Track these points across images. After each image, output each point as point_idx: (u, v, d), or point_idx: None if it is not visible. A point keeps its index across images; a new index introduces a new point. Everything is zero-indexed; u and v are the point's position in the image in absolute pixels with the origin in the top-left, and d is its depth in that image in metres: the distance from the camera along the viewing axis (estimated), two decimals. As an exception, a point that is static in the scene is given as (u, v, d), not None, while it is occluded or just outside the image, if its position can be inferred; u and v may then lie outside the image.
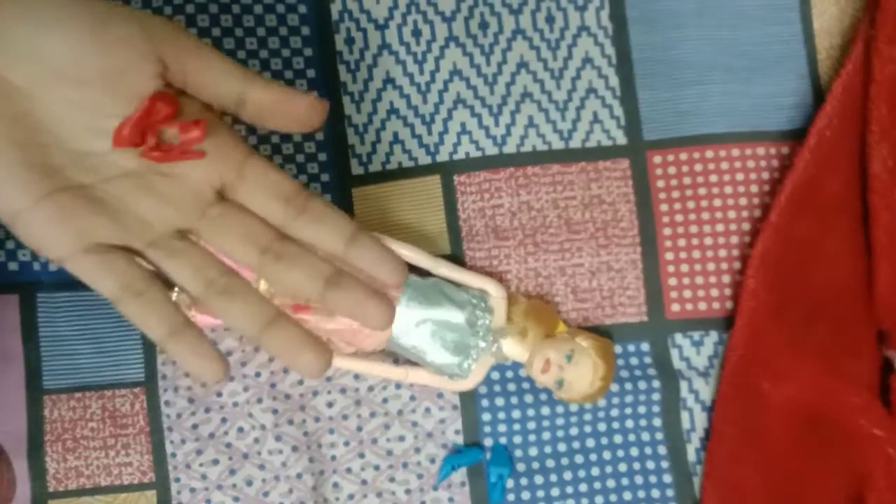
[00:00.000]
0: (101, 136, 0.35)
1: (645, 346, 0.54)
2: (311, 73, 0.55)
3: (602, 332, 0.54)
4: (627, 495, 0.54)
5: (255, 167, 0.37)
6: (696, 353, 0.54)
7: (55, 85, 0.34)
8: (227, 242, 0.37)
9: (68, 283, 0.54)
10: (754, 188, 0.54)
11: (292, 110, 0.37)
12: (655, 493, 0.54)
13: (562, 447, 0.54)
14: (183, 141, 0.36)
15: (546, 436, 0.54)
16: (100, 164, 0.36)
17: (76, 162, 0.35)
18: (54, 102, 0.34)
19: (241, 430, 0.53)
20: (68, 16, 0.33)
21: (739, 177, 0.54)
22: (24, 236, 0.35)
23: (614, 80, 0.55)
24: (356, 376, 0.54)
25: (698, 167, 0.55)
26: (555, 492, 0.54)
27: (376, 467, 0.54)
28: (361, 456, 0.54)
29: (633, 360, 0.54)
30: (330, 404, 0.54)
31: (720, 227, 0.54)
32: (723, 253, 0.54)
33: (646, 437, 0.54)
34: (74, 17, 0.33)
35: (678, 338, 0.54)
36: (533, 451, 0.54)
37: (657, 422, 0.54)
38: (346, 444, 0.54)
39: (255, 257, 0.37)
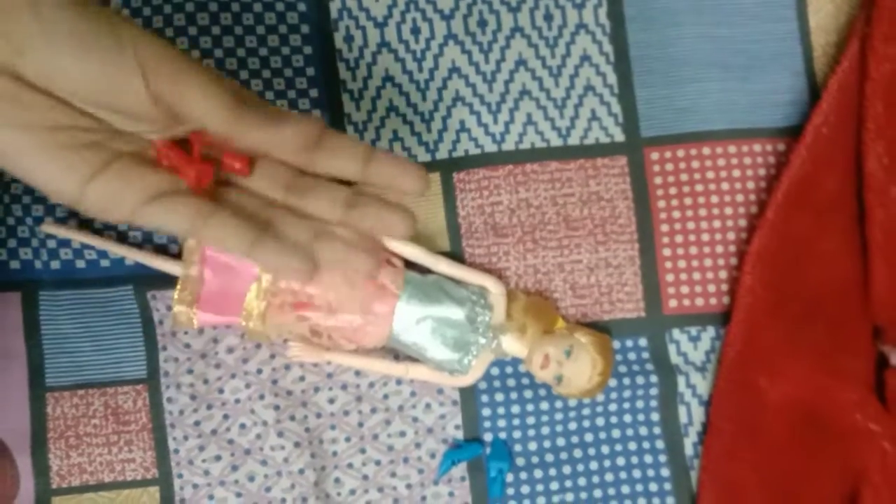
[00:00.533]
0: (127, 122, 0.36)
1: (643, 342, 0.55)
2: (310, 70, 0.55)
3: (600, 328, 0.54)
4: (625, 489, 0.55)
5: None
6: (693, 349, 0.55)
7: (66, 88, 0.34)
8: (257, 184, 0.39)
9: (70, 281, 0.54)
10: (751, 185, 0.55)
11: (290, 138, 0.37)
12: (653, 487, 0.55)
13: (561, 442, 0.55)
14: (224, 166, 0.38)
15: (545, 430, 0.55)
16: (136, 139, 0.37)
17: (115, 136, 0.36)
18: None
19: (243, 426, 0.54)
20: (81, 39, 0.33)
21: (736, 173, 0.55)
22: (90, 213, 0.36)
23: (612, 78, 0.55)
24: (357, 373, 0.54)
25: (695, 164, 0.55)
26: (554, 485, 0.54)
27: (377, 462, 0.54)
28: (362, 451, 0.54)
29: (631, 356, 0.55)
30: (331, 400, 0.54)
31: (717, 224, 0.55)
32: (720, 249, 0.55)
33: (644, 431, 0.55)
34: (68, 36, 0.33)
35: (676, 333, 0.55)
36: (532, 446, 0.55)
37: (655, 416, 0.55)
38: (348, 439, 0.54)
39: (281, 194, 0.39)
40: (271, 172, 0.39)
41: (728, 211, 0.55)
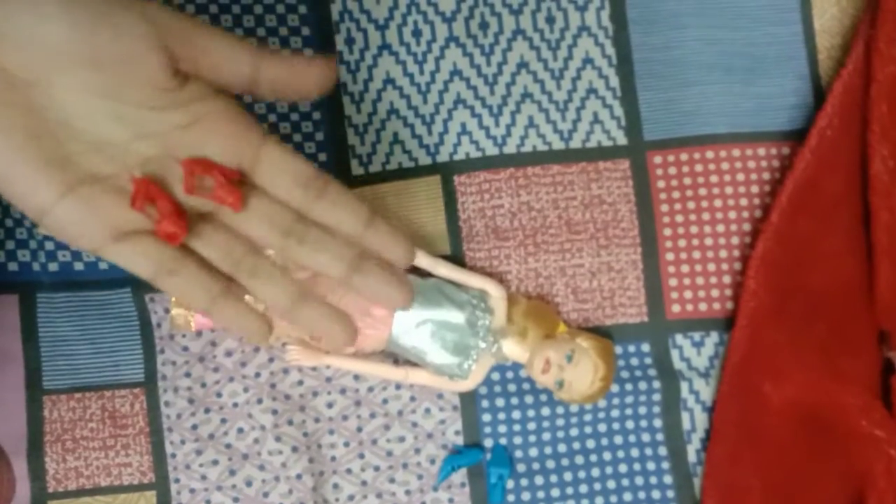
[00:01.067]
0: (121, 123, 0.35)
1: (645, 347, 0.54)
2: (311, 73, 0.55)
3: (602, 333, 0.54)
4: (628, 496, 0.54)
5: (272, 151, 0.37)
6: (696, 354, 0.54)
7: (70, 72, 0.33)
8: (250, 226, 0.37)
9: (68, 283, 0.54)
10: (755, 188, 0.54)
11: (305, 80, 0.37)
12: (656, 494, 0.54)
13: (562, 448, 0.54)
14: (216, 198, 0.36)
15: (546, 436, 0.54)
16: (120, 153, 0.35)
17: (96, 151, 0.35)
18: (71, 91, 0.34)
19: (240, 430, 0.53)
20: (69, 5, 0.33)
21: (740, 177, 0.54)
22: (54, 231, 0.35)
23: (615, 81, 0.55)
24: (356, 377, 0.54)
25: (699, 167, 0.54)
26: (555, 492, 0.54)
27: (376, 468, 0.54)
28: (361, 456, 0.54)
29: (634, 361, 0.54)
30: (330, 405, 0.54)
31: (720, 228, 0.54)
32: (723, 253, 0.54)
33: (646, 437, 0.54)
34: (75, 7, 0.33)
35: (679, 338, 0.54)
36: (533, 452, 0.54)
37: (657, 422, 0.54)
38: (346, 444, 0.54)
39: (277, 240, 0.37)
40: (270, 214, 0.37)
41: (731, 215, 0.54)
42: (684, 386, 0.54)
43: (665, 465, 0.54)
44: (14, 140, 0.33)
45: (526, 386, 0.54)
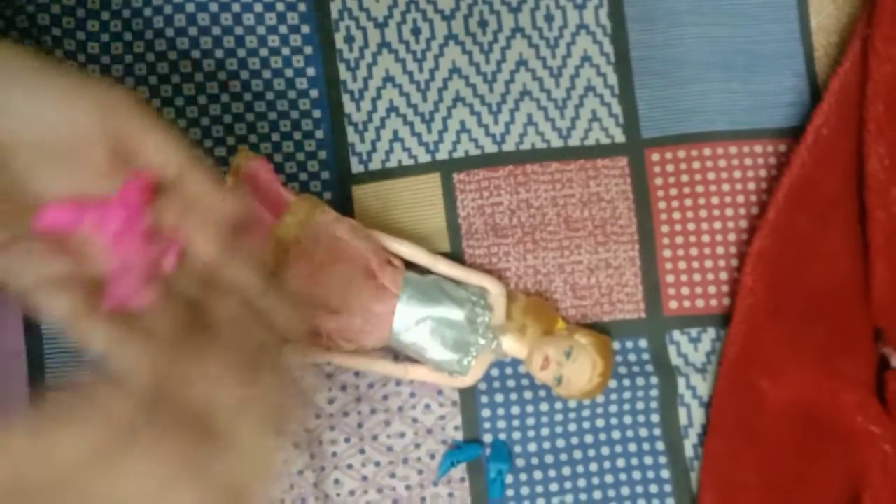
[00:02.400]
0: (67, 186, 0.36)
1: (643, 343, 0.55)
2: (310, 71, 0.55)
3: (600, 329, 0.54)
4: (625, 490, 0.54)
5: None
6: (693, 350, 0.55)
7: (34, 144, 0.35)
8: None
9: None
10: (752, 186, 0.55)
11: (209, 211, 0.37)
12: (653, 489, 0.54)
13: (560, 443, 0.55)
14: None
15: (545, 431, 0.54)
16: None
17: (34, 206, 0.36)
18: (35, 160, 0.35)
19: (242, 426, 0.54)
20: (45, 84, 0.34)
21: (737, 174, 0.55)
22: None
23: (613, 79, 0.55)
24: (356, 373, 0.54)
25: (696, 165, 0.55)
26: (553, 487, 0.54)
27: (377, 463, 0.54)
28: (362, 452, 0.54)
29: (632, 357, 0.55)
30: (330, 401, 0.54)
31: (718, 225, 0.55)
32: (720, 250, 0.55)
33: (644, 432, 0.55)
34: (48, 87, 0.34)
35: (676, 334, 0.55)
36: (532, 447, 0.54)
37: (655, 418, 0.54)
38: (347, 440, 0.54)
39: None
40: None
41: (729, 212, 0.55)
42: (681, 382, 0.54)
43: (662, 459, 0.55)
44: None
45: (525, 382, 0.54)
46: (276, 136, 0.55)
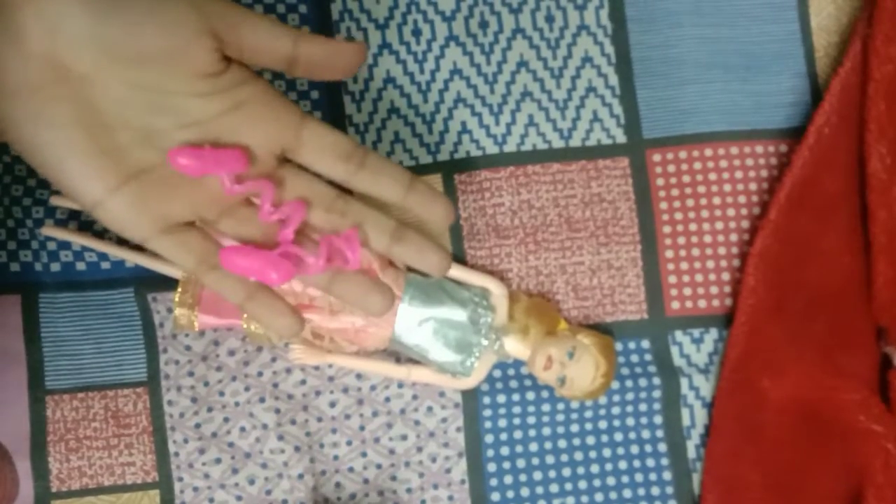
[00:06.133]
0: (165, 113, 0.36)
1: (645, 344, 0.55)
2: (311, 72, 0.55)
3: (603, 330, 0.54)
4: (627, 492, 0.54)
5: (312, 129, 0.39)
6: (696, 351, 0.55)
7: (116, 68, 0.35)
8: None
9: (70, 283, 0.54)
10: (753, 186, 0.55)
11: (338, 60, 0.38)
12: (655, 491, 0.54)
13: (562, 443, 0.54)
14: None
15: (547, 432, 0.54)
16: (165, 141, 0.37)
17: (143, 141, 0.36)
18: (116, 85, 0.35)
19: (243, 429, 0.53)
20: (120, 3, 0.34)
21: (738, 175, 0.55)
22: (106, 222, 0.37)
23: (614, 79, 0.55)
24: (358, 376, 0.54)
25: (697, 165, 0.55)
26: (554, 488, 0.54)
27: (378, 466, 0.54)
28: (363, 455, 0.54)
29: (634, 358, 0.55)
30: (332, 404, 0.54)
31: (719, 225, 0.55)
32: (722, 251, 0.55)
33: (646, 434, 0.55)
34: (126, 5, 0.34)
35: (678, 335, 0.55)
36: (533, 447, 0.54)
37: (657, 419, 0.54)
38: (349, 443, 0.54)
39: (321, 217, 0.40)
40: (311, 191, 0.40)
41: (730, 212, 0.55)
42: (684, 382, 0.54)
43: (664, 461, 0.55)
44: (68, 134, 0.35)
45: (527, 382, 0.54)
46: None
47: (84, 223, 0.54)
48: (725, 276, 0.55)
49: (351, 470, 0.54)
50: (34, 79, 0.34)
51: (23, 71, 0.34)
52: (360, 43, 0.39)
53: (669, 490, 0.54)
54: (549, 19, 0.55)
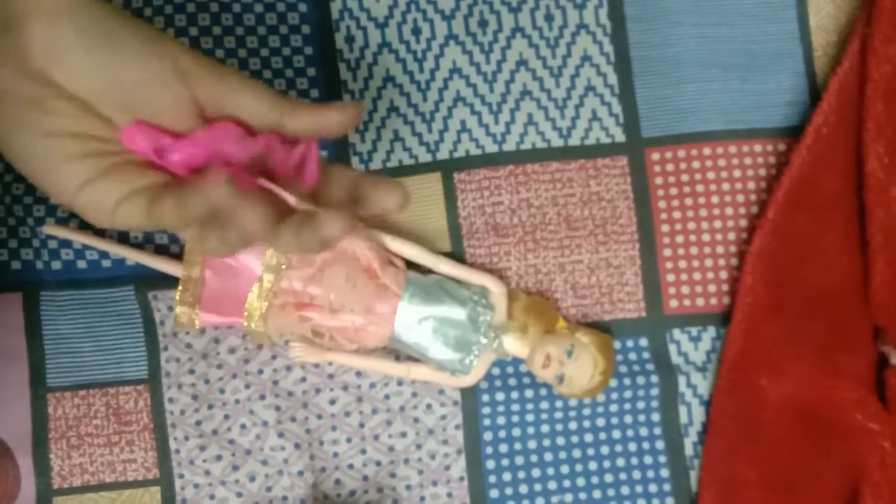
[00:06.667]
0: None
1: (643, 342, 0.55)
2: (311, 71, 0.55)
3: (601, 328, 0.54)
4: (625, 489, 0.55)
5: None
6: (694, 349, 0.55)
7: (103, 101, 0.36)
8: None
9: (71, 281, 0.54)
10: (751, 185, 0.55)
11: (330, 127, 0.38)
12: (653, 488, 0.55)
13: (561, 441, 0.55)
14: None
15: (545, 429, 0.55)
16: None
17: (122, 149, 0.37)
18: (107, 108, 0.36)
19: (243, 426, 0.54)
20: (114, 54, 0.35)
21: (737, 174, 0.55)
22: (81, 213, 0.37)
23: (613, 78, 0.56)
24: (358, 373, 0.54)
25: (696, 164, 0.55)
26: (552, 485, 0.55)
27: (378, 463, 0.54)
28: (363, 452, 0.54)
29: (632, 356, 0.55)
30: (332, 401, 0.54)
31: (718, 224, 0.55)
32: (720, 249, 0.55)
33: (644, 431, 0.55)
34: (118, 58, 0.35)
35: (676, 333, 0.55)
36: (532, 444, 0.55)
37: (655, 416, 0.55)
38: (349, 440, 0.54)
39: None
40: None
41: (728, 211, 0.55)
42: (682, 380, 0.54)
43: (662, 458, 0.55)
44: (52, 144, 0.35)
45: (526, 380, 0.55)
46: (276, 137, 0.55)
47: (85, 221, 0.54)
48: (723, 275, 0.55)
49: (350, 467, 0.54)
50: (28, 92, 0.35)
51: (19, 84, 0.34)
52: (355, 105, 0.38)
53: (667, 487, 0.55)
54: (549, 18, 0.55)
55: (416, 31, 0.55)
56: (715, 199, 0.55)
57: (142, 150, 0.36)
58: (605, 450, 0.55)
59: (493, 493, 0.54)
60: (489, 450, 0.54)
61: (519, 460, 0.55)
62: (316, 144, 0.38)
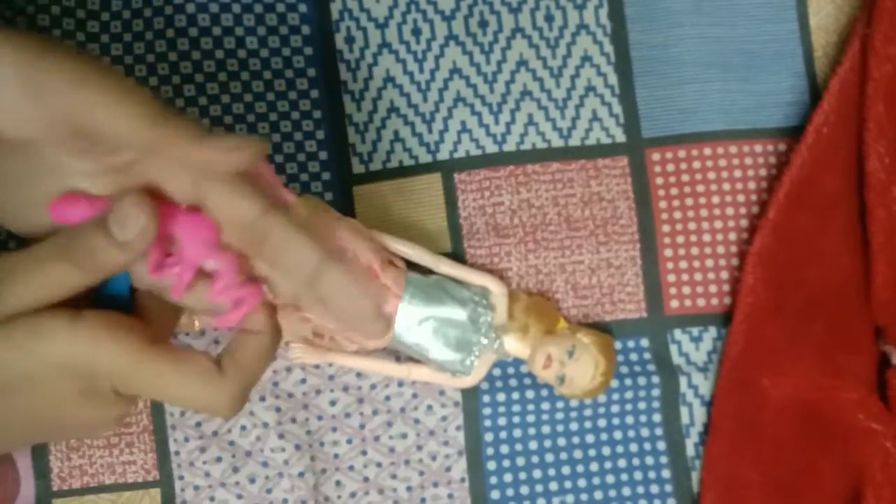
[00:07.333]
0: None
1: (644, 342, 0.55)
2: (311, 71, 0.55)
3: (602, 329, 0.54)
4: (626, 490, 0.55)
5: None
6: (695, 349, 0.55)
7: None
8: None
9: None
10: (752, 185, 0.55)
11: (213, 162, 0.33)
12: (654, 489, 0.55)
13: (561, 442, 0.55)
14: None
15: (546, 430, 0.55)
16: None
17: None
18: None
19: (243, 428, 0.54)
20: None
21: (737, 174, 0.55)
22: None
23: (613, 78, 0.55)
24: (358, 375, 0.54)
25: (696, 164, 0.55)
26: (553, 486, 0.54)
27: (378, 464, 0.54)
28: (364, 453, 0.54)
29: (633, 356, 0.55)
30: (332, 402, 0.54)
31: (718, 224, 0.55)
32: (721, 249, 0.55)
33: (645, 432, 0.55)
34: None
35: (677, 333, 0.55)
36: (533, 445, 0.55)
37: (657, 417, 0.55)
38: (349, 441, 0.54)
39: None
40: None
41: (729, 211, 0.55)
42: (683, 381, 0.54)
43: (663, 459, 0.55)
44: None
45: (527, 381, 0.54)
46: (276, 138, 0.55)
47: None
48: (724, 275, 0.55)
49: (351, 468, 0.54)
50: None
51: None
52: (250, 142, 0.33)
53: (668, 488, 0.55)
54: (549, 18, 0.55)
55: (417, 32, 0.55)
56: (715, 200, 0.55)
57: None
58: (606, 450, 0.55)
59: (494, 495, 0.54)
60: (490, 451, 0.54)
61: (520, 461, 0.54)
62: (260, 293, 0.36)
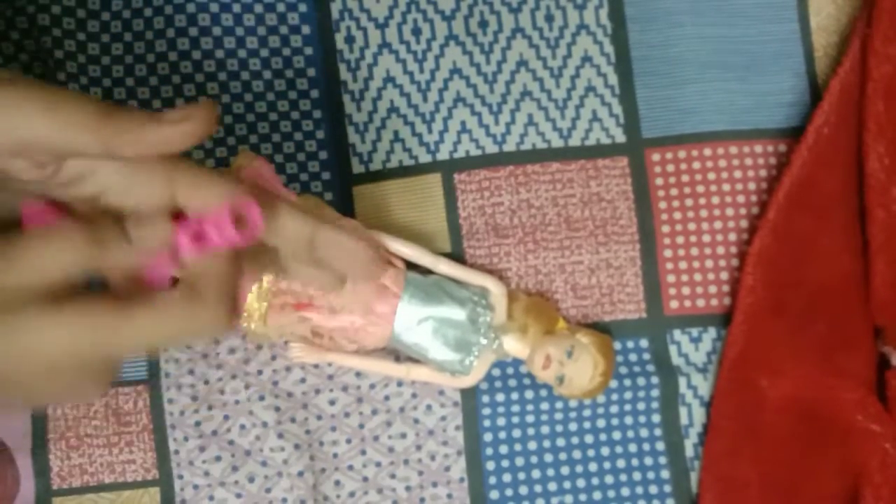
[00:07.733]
0: None
1: (644, 343, 0.55)
2: (311, 71, 0.55)
3: (601, 329, 0.54)
4: (625, 491, 0.55)
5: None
6: (694, 350, 0.55)
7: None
8: None
9: (71, 281, 0.54)
10: (752, 185, 0.55)
11: (167, 141, 0.32)
12: (653, 489, 0.55)
13: (561, 442, 0.55)
14: None
15: (545, 430, 0.55)
16: None
17: None
18: None
19: (243, 427, 0.54)
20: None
21: (737, 174, 0.55)
22: None
23: (613, 79, 0.55)
24: (358, 374, 0.54)
25: (696, 165, 0.55)
26: (553, 486, 0.54)
27: (377, 464, 0.54)
28: (363, 453, 0.54)
29: (633, 357, 0.55)
30: (332, 402, 0.54)
31: (718, 225, 0.55)
32: (721, 250, 0.55)
33: (644, 433, 0.55)
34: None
35: (677, 334, 0.55)
36: (532, 446, 0.55)
37: (656, 418, 0.55)
38: (348, 441, 0.54)
39: None
40: None
41: (729, 212, 0.55)
42: (682, 381, 0.54)
43: (662, 459, 0.55)
44: None
45: (526, 381, 0.54)
46: (276, 137, 0.55)
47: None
48: (724, 276, 0.55)
49: (350, 468, 0.54)
50: None
51: None
52: (203, 107, 0.31)
53: (667, 489, 0.55)
54: (549, 18, 0.55)
55: (417, 32, 0.55)
56: (715, 200, 0.55)
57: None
58: (605, 451, 0.55)
59: (493, 495, 0.54)
60: (489, 451, 0.54)
61: (519, 461, 0.54)
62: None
